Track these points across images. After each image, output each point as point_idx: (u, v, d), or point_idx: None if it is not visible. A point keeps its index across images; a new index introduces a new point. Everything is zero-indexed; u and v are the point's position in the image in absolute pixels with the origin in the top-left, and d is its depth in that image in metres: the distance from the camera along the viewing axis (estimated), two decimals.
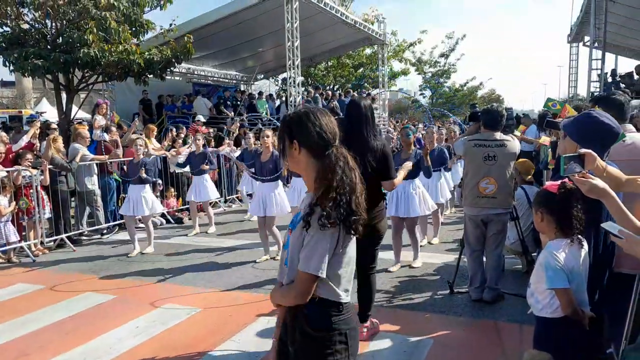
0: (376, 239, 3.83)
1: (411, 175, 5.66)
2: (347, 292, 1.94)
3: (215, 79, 20.45)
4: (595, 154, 2.28)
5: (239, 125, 12.44)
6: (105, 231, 8.43)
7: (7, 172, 7.01)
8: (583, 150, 2.30)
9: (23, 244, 7.04)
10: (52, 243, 7.52)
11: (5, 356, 3.96)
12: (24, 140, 7.98)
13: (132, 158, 7.40)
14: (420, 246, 6.33)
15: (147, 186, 7.19)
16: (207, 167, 8.24)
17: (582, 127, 2.61)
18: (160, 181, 8.92)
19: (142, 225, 7.57)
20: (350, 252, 1.95)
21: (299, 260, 1.85)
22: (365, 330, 3.94)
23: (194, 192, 8.33)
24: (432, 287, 5.28)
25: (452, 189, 8.62)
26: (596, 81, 15.45)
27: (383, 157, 3.75)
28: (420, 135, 14.14)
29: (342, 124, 3.60)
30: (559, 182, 2.50)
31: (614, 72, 17.02)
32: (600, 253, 2.75)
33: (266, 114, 15.86)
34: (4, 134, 8.42)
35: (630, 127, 3.32)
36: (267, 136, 6.40)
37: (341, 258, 1.90)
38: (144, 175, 6.99)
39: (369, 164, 3.55)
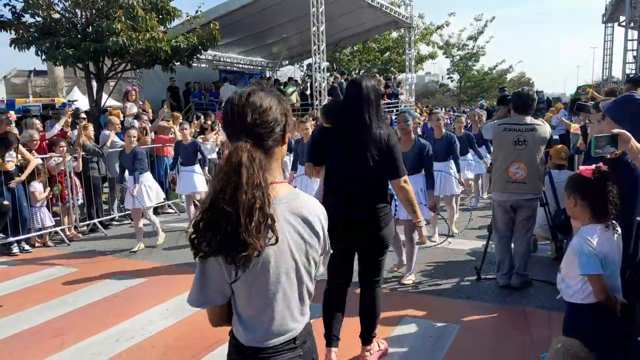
0: (381, 248, 3.21)
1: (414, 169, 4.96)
2: (254, 334, 1.51)
3: (241, 65, 20.53)
4: (630, 134, 2.21)
5: None
6: None
7: (42, 159, 7.22)
8: (616, 130, 2.24)
9: (58, 228, 7.27)
10: (85, 228, 7.74)
11: (42, 336, 4.12)
12: (57, 128, 8.19)
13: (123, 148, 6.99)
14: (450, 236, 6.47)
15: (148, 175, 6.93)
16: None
17: (624, 109, 2.54)
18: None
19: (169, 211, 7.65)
20: (262, 279, 1.48)
21: None
22: (367, 354, 3.41)
23: (182, 184, 7.57)
24: (459, 273, 5.24)
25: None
26: (632, 62, 14.92)
27: (388, 150, 3.08)
28: (425, 123, 13.85)
29: (336, 107, 3.23)
30: (593, 166, 2.43)
31: None
32: (630, 243, 2.68)
33: (297, 100, 15.82)
34: (37, 122, 8.67)
35: None
36: (307, 128, 6.34)
37: (241, 289, 1.49)
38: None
39: (370, 157, 3.01)
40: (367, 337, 3.41)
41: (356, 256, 3.33)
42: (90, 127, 8.18)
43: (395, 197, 3.44)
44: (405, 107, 17.16)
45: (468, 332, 3.89)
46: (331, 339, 3.31)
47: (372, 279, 3.30)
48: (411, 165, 4.84)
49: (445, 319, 4.10)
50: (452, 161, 6.55)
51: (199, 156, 7.68)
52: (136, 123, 9.12)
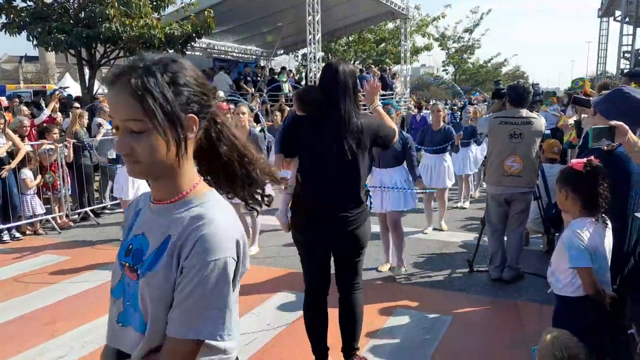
0: (357, 248, 2.96)
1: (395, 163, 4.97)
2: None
3: (235, 54, 20.39)
4: (627, 127, 2.22)
5: (259, 101, 12.41)
6: None
7: (32, 146, 7.14)
8: (614, 122, 2.24)
9: (49, 216, 7.22)
10: (76, 216, 7.69)
11: (33, 324, 4.10)
12: (45, 114, 8.10)
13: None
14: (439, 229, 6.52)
15: None
16: None
17: (615, 104, 2.54)
18: None
19: None
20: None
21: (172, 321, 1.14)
22: None
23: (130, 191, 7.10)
24: (451, 265, 5.26)
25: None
26: (626, 57, 14.97)
27: (370, 141, 2.90)
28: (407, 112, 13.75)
29: (310, 94, 3.04)
30: (584, 159, 2.44)
31: None
32: (625, 238, 2.70)
33: (289, 90, 15.74)
34: (25, 108, 8.57)
35: None
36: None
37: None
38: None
39: (348, 149, 2.75)
40: (348, 349, 3.12)
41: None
42: (85, 116, 8.10)
43: (371, 195, 3.20)
44: (399, 98, 17.15)
45: (460, 323, 3.91)
46: (323, 352, 3.11)
47: (350, 282, 3.04)
48: (394, 157, 4.90)
49: (437, 310, 4.12)
50: (447, 153, 6.57)
51: None
52: None
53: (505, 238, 4.81)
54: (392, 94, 17.97)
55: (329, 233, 2.88)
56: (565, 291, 2.48)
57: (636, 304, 2.68)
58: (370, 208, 3.07)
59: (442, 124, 6.56)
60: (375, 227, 4.17)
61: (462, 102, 12.48)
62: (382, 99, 16.26)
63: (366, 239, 2.97)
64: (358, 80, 3.01)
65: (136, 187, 6.39)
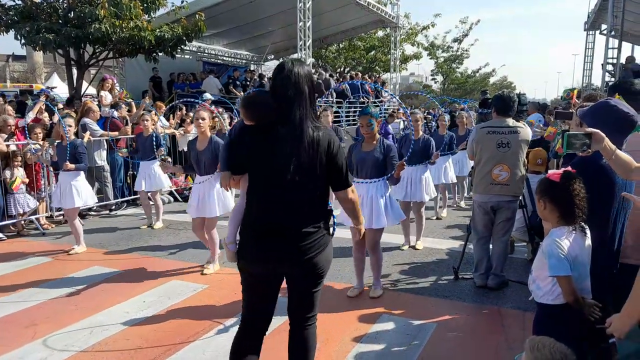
0: (315, 278, 2.53)
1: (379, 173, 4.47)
2: None
3: (225, 58, 20.36)
4: (603, 134, 2.26)
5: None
6: (113, 207, 8.51)
7: (15, 145, 7.05)
8: (590, 130, 2.27)
9: (33, 217, 7.12)
10: (61, 217, 7.59)
11: (14, 326, 4.03)
12: (30, 117, 8.01)
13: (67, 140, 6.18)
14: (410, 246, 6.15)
15: (155, 163, 7.01)
16: (163, 151, 7.21)
17: (600, 116, 2.58)
18: (170, 159, 8.87)
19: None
20: None
21: None
22: None
23: (143, 180, 7.22)
24: (436, 272, 5.29)
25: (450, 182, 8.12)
26: (610, 71, 15.22)
27: (329, 157, 2.44)
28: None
29: (260, 100, 2.57)
30: (561, 170, 2.49)
31: (631, 59, 16.68)
32: (608, 243, 2.74)
33: None
34: (10, 108, 8.47)
35: None
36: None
37: None
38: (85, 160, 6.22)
39: (304, 165, 2.37)
40: None
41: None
42: (73, 116, 7.99)
43: (334, 216, 2.68)
44: (388, 106, 17.24)
45: (444, 330, 3.92)
46: None
47: (304, 316, 2.62)
48: (374, 167, 4.42)
49: (422, 317, 4.14)
50: (427, 165, 6.25)
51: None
52: (115, 113, 8.97)
53: (491, 246, 4.86)
54: (381, 102, 18.08)
55: (283, 262, 2.46)
56: (545, 299, 2.51)
57: (619, 310, 2.71)
58: (333, 232, 2.62)
59: (420, 133, 6.23)
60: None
61: (440, 111, 12.52)
62: (361, 105, 16.31)
63: (327, 267, 2.56)
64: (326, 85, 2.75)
65: (84, 198, 6.09)
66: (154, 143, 7.00)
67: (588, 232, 2.48)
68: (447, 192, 8.28)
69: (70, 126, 6.25)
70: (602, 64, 14.85)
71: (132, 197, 8.80)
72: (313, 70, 19.46)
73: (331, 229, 2.61)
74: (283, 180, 2.38)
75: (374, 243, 4.53)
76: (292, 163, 2.35)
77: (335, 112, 11.65)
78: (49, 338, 3.79)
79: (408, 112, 6.23)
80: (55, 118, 7.73)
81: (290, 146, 2.35)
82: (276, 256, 2.44)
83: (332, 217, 2.62)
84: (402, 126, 14.52)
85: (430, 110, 16.14)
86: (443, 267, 5.45)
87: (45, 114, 8.49)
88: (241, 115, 2.53)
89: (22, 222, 7.02)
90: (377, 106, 17.37)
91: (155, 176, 7.23)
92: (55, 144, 6.34)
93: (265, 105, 2.43)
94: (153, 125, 7.51)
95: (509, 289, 4.74)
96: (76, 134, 7.93)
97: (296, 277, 2.55)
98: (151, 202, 7.49)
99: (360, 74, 19.88)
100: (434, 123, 13.31)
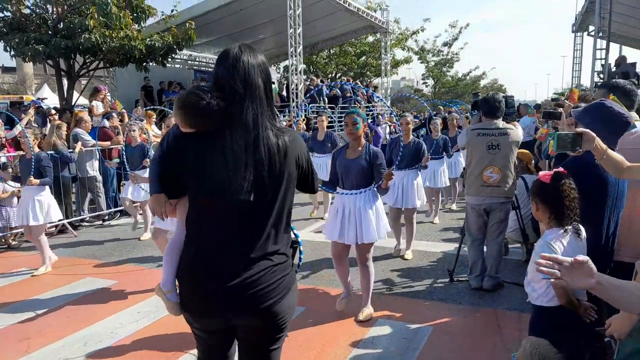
0: (276, 332, 1.97)
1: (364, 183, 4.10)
2: None
3: None
4: (594, 134, 2.28)
5: None
6: (106, 217, 8.46)
7: (7, 157, 7.01)
8: (581, 129, 2.29)
9: (22, 229, 7.05)
10: (53, 228, 7.53)
11: (6, 340, 3.98)
12: (18, 129, 7.96)
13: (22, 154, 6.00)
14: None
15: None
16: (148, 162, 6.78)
17: (598, 116, 2.61)
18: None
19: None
20: None
21: None
22: None
23: (130, 187, 6.91)
24: (432, 275, 5.29)
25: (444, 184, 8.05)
26: (598, 73, 15.35)
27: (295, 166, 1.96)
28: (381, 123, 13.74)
29: (200, 100, 1.83)
30: (552, 171, 2.50)
31: (622, 59, 16.82)
32: (602, 242, 2.75)
33: (275, 100, 15.70)
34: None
35: (635, 115, 3.32)
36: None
37: None
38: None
39: (261, 180, 1.83)
40: None
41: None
42: (64, 127, 7.97)
43: (302, 251, 2.17)
44: (380, 111, 17.29)
45: (441, 333, 3.92)
46: None
47: None
48: (361, 176, 4.04)
49: (419, 320, 4.14)
50: (418, 170, 6.06)
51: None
52: (107, 122, 8.94)
53: (485, 248, 4.87)
54: (373, 107, 18.14)
55: (235, 313, 1.89)
56: (540, 301, 2.52)
57: (613, 313, 2.72)
58: (298, 267, 2.14)
59: (411, 137, 6.02)
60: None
61: (428, 113, 12.50)
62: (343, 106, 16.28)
63: (289, 316, 1.98)
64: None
65: (50, 214, 5.80)
66: (143, 153, 6.91)
67: (583, 233, 2.49)
68: (440, 195, 8.28)
69: (35, 138, 5.94)
70: (602, 65, 14.96)
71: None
72: (305, 77, 19.30)
73: (297, 263, 2.08)
74: (234, 204, 1.82)
75: (365, 259, 4.15)
76: (246, 180, 1.80)
77: (329, 117, 11.66)
78: (42, 351, 3.75)
79: (395, 115, 6.05)
80: (47, 129, 7.69)
81: (241, 157, 1.80)
82: (225, 306, 1.87)
83: (298, 248, 2.11)
84: (388, 130, 14.55)
85: (418, 115, 16.12)
86: (438, 270, 5.45)
87: (35, 125, 8.44)
88: (175, 119, 1.94)
89: (14, 234, 6.95)
90: (370, 111, 17.44)
91: (145, 186, 7.13)
92: (19, 158, 6.00)
93: (206, 106, 1.83)
94: (142, 135, 7.45)
95: (504, 290, 4.75)
96: (68, 144, 7.92)
97: (250, 331, 1.97)
98: (140, 212, 7.40)
99: (351, 79, 19.94)
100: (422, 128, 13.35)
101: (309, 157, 2.04)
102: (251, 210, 1.84)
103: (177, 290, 2.01)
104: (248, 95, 1.85)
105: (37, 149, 5.92)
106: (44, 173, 5.80)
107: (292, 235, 2.06)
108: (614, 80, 3.46)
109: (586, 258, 1.53)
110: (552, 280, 1.56)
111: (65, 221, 7.54)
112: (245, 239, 1.86)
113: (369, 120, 15.77)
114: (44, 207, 5.73)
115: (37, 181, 5.70)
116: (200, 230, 1.91)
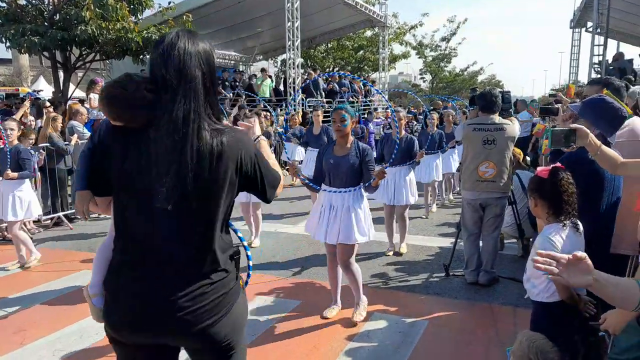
0: (219, 354, 1.74)
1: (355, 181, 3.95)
2: None
3: None
4: (587, 130, 2.29)
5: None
6: None
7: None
8: (574, 125, 2.30)
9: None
10: (49, 221, 7.51)
11: (3, 332, 3.98)
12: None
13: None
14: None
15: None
16: None
17: (599, 110, 2.63)
18: None
19: None
20: None
21: None
22: None
23: None
24: (428, 269, 5.30)
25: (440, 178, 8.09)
26: (596, 69, 15.37)
27: (240, 168, 1.70)
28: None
29: (129, 90, 1.63)
30: (550, 167, 2.51)
31: (620, 55, 16.81)
32: (598, 235, 2.76)
33: (270, 95, 15.59)
34: None
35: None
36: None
37: None
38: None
39: (198, 184, 1.59)
40: None
41: None
42: (59, 119, 7.93)
43: (249, 255, 2.04)
44: (377, 105, 17.28)
45: (436, 327, 3.94)
46: None
47: None
48: (351, 174, 3.90)
49: (414, 314, 4.15)
50: (411, 166, 5.89)
51: None
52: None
53: (481, 243, 4.88)
54: (371, 102, 18.12)
55: (163, 332, 1.67)
56: (541, 297, 2.52)
57: (608, 306, 2.73)
58: (247, 280, 1.97)
59: (404, 133, 5.89)
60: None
61: (423, 109, 12.46)
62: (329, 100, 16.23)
63: (236, 335, 1.75)
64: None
65: (30, 209, 5.67)
66: None
67: (581, 227, 2.50)
68: (436, 187, 8.30)
69: (12, 130, 5.67)
70: (594, 63, 14.97)
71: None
72: (302, 70, 19.16)
73: (245, 276, 1.86)
74: (154, 211, 1.60)
75: (346, 261, 3.94)
76: (164, 186, 1.57)
77: (326, 112, 11.63)
78: (37, 343, 3.75)
79: (392, 110, 5.86)
80: (43, 120, 7.65)
81: (165, 159, 1.57)
82: (150, 324, 1.65)
83: (247, 258, 1.87)
84: (382, 125, 14.54)
85: (414, 110, 16.02)
86: (434, 264, 5.46)
87: (31, 117, 8.39)
88: (104, 111, 1.72)
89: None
90: (367, 105, 17.42)
91: None
92: None
93: (131, 98, 1.62)
94: None
95: (500, 285, 4.76)
96: (63, 136, 7.88)
97: (193, 352, 1.79)
98: None
99: (349, 73, 19.91)
100: (414, 122, 13.32)
101: (258, 161, 1.75)
102: (173, 220, 1.61)
103: (104, 297, 1.77)
104: (182, 87, 1.60)
105: (15, 142, 5.72)
106: (23, 166, 5.63)
107: (238, 239, 1.84)
108: (606, 77, 3.48)
109: (584, 254, 1.52)
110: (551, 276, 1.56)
111: (61, 214, 7.52)
112: (173, 253, 1.64)
113: (365, 115, 15.77)
114: (24, 203, 5.60)
115: (15, 175, 5.55)
116: (123, 235, 1.72)
